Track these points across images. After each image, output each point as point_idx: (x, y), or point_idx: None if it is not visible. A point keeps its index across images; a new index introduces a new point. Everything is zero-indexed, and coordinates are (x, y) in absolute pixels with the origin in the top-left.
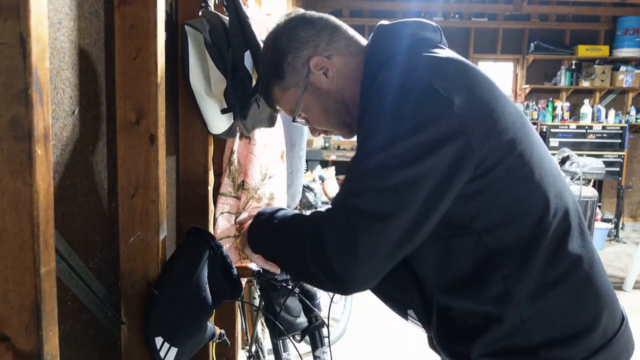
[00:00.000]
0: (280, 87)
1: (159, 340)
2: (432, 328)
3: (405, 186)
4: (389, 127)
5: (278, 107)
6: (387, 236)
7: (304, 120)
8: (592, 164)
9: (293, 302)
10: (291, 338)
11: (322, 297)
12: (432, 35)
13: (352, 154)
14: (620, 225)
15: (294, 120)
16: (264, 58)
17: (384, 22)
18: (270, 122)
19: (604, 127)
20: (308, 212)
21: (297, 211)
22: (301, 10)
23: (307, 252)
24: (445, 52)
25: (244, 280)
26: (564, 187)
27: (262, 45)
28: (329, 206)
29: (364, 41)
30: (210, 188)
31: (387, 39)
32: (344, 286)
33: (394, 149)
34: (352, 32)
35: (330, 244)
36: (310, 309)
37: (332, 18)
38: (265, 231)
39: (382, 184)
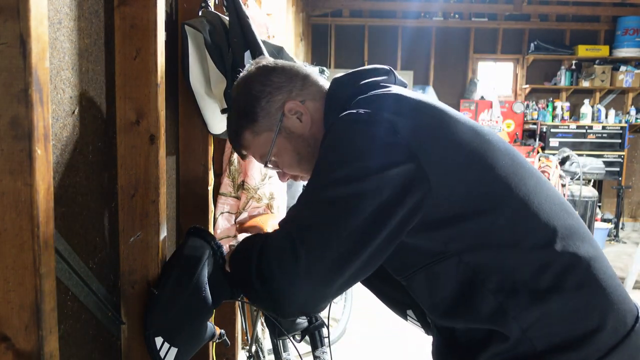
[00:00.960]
0: (252, 131)
1: (159, 340)
2: (434, 345)
3: (346, 200)
4: (335, 155)
5: (245, 153)
6: (326, 248)
7: (273, 165)
8: (592, 164)
9: None
10: (291, 338)
11: None
12: (384, 79)
13: None
14: (620, 225)
15: (265, 165)
16: (236, 103)
17: (339, 75)
18: None
19: (604, 127)
20: None
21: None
22: (270, 59)
23: (253, 271)
24: (393, 89)
25: None
26: (544, 189)
27: (262, 45)
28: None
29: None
30: (210, 188)
31: (339, 90)
32: (283, 303)
33: (339, 171)
34: (320, 79)
35: (271, 260)
36: None
37: (302, 66)
38: (232, 259)
39: (324, 197)
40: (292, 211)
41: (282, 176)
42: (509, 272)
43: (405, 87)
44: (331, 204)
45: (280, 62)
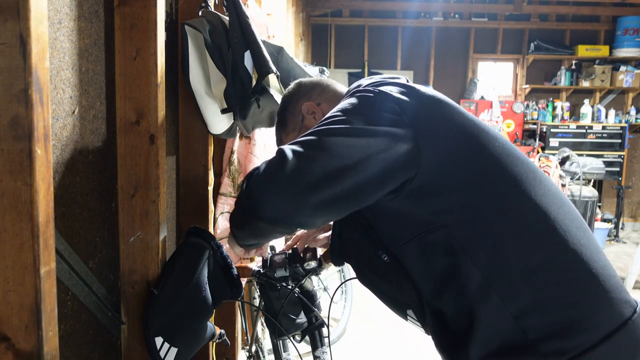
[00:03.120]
0: (285, 133)
1: (159, 340)
2: (432, 337)
3: (343, 139)
4: (340, 109)
5: None
6: (312, 163)
7: None
8: (592, 164)
9: (293, 302)
10: (291, 338)
11: (322, 297)
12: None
13: None
14: (620, 225)
15: None
16: (277, 115)
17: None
18: (270, 122)
19: (604, 127)
20: None
21: None
22: (308, 77)
23: (244, 181)
24: (402, 79)
25: (244, 280)
26: (537, 175)
27: (262, 45)
28: None
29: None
30: (210, 188)
31: (352, 84)
32: (259, 202)
33: (340, 117)
34: (340, 86)
35: (260, 168)
36: (310, 309)
37: (326, 78)
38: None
39: (323, 132)
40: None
41: None
42: (497, 249)
43: None
44: (330, 136)
45: (311, 77)
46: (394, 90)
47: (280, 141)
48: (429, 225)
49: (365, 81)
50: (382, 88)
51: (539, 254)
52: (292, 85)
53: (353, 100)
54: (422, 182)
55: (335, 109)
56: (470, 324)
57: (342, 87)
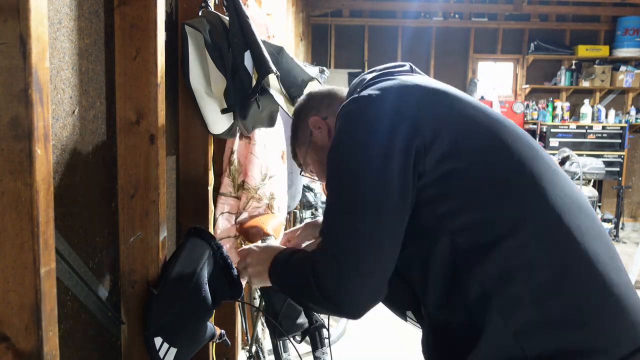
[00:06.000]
0: (298, 146)
1: (158, 341)
2: (423, 345)
3: (354, 196)
4: (340, 155)
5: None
6: (350, 240)
7: (310, 175)
8: (592, 164)
9: (293, 303)
10: (291, 339)
11: None
12: (397, 70)
13: None
14: (620, 225)
15: (301, 173)
16: (291, 127)
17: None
18: (270, 122)
19: (604, 127)
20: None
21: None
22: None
23: (314, 294)
24: (399, 79)
25: (244, 281)
26: (556, 177)
27: (262, 45)
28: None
29: None
30: (210, 188)
31: (349, 90)
32: (349, 307)
33: (345, 171)
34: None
35: (322, 276)
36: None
37: (334, 87)
38: (281, 274)
39: (338, 205)
40: (324, 227)
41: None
42: (500, 258)
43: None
44: (343, 206)
45: (321, 87)
46: (390, 97)
47: (294, 153)
48: (434, 232)
49: (359, 82)
50: (378, 93)
51: (546, 267)
52: (303, 96)
53: (350, 127)
54: (427, 184)
55: (339, 145)
56: (469, 337)
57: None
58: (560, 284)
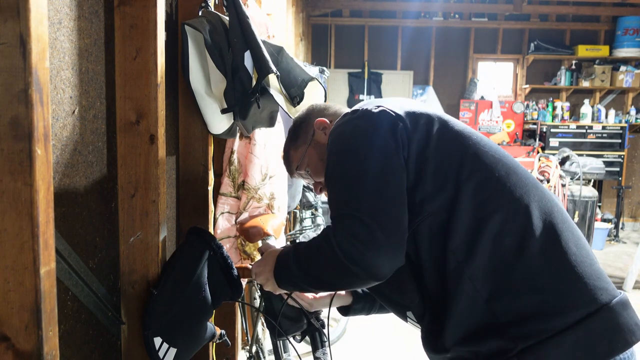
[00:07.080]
0: (294, 148)
1: (157, 341)
2: (423, 331)
3: (364, 171)
4: (344, 143)
5: (293, 169)
6: (380, 210)
7: (305, 174)
8: (592, 164)
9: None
10: (291, 339)
11: None
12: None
13: None
14: (620, 225)
15: (296, 172)
16: (287, 134)
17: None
18: (270, 122)
19: (604, 127)
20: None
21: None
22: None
23: (339, 259)
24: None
25: (244, 281)
26: (518, 170)
27: (262, 45)
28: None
29: None
30: (210, 188)
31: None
32: (380, 269)
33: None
34: (345, 108)
35: (350, 243)
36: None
37: (336, 104)
38: (296, 265)
39: (351, 177)
40: (334, 201)
41: (315, 188)
42: (471, 232)
43: None
44: (360, 178)
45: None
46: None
47: (287, 154)
48: (419, 216)
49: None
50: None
51: (511, 237)
52: (305, 108)
53: (354, 121)
54: (409, 166)
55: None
56: (445, 309)
57: (346, 109)
58: (524, 253)
